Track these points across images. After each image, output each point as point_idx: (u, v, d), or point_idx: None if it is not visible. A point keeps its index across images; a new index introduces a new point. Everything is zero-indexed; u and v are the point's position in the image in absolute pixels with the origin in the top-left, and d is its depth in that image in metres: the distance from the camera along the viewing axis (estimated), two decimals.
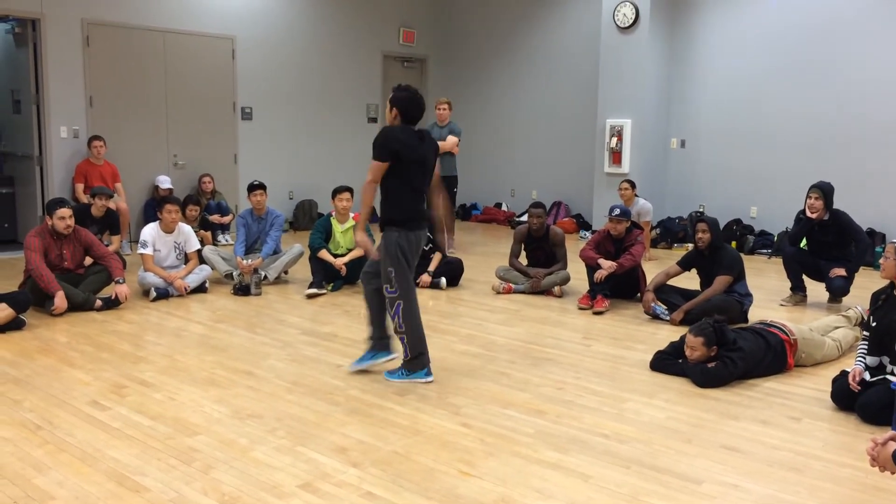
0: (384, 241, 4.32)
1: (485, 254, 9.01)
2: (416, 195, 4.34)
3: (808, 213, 6.38)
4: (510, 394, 4.29)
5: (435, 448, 3.53)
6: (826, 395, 4.19)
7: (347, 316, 6.08)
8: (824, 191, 6.35)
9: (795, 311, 6.36)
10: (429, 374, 4.44)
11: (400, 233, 4.27)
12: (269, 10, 10.47)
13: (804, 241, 6.71)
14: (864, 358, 4.05)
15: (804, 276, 6.61)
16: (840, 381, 4.10)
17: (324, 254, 6.88)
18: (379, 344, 4.58)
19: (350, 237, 7.09)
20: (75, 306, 5.96)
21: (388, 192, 4.31)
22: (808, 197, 6.39)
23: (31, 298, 5.71)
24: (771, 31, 9.31)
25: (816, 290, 6.66)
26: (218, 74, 10.04)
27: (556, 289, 6.84)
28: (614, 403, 4.15)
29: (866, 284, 6.89)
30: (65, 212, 5.98)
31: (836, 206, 6.43)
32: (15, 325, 5.45)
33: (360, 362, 4.61)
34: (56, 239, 6.05)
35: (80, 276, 6.20)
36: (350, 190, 7.11)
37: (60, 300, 5.78)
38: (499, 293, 6.92)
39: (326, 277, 6.88)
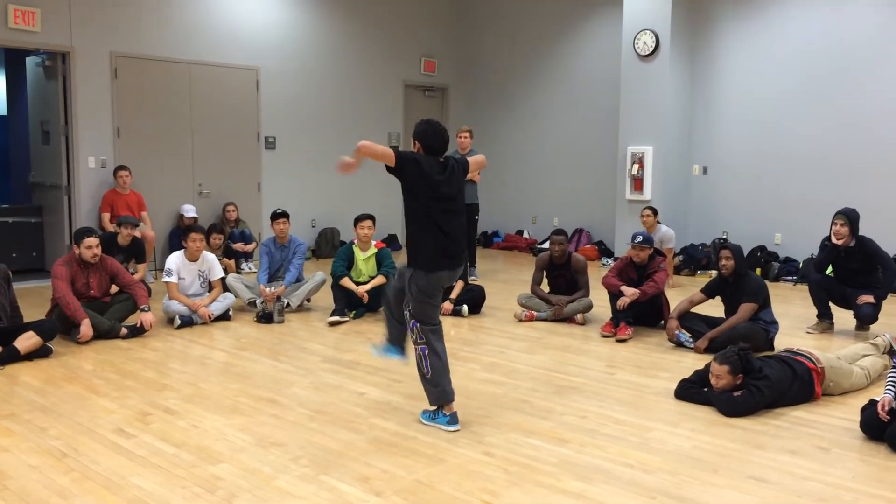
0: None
1: (507, 281, 9.00)
2: (440, 233, 4.06)
3: (834, 240, 6.32)
4: (533, 422, 4.26)
5: (458, 477, 3.51)
6: (855, 424, 4.12)
7: (370, 343, 6.07)
8: (850, 217, 6.29)
9: (822, 339, 6.28)
10: (452, 422, 4.15)
11: (415, 272, 4.07)
12: (293, 42, 10.63)
13: (830, 268, 6.64)
14: (894, 387, 3.99)
15: (831, 304, 6.53)
16: (869, 411, 4.03)
17: (346, 281, 6.91)
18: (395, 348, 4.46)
19: (372, 265, 7.12)
20: (101, 334, 6.02)
21: (411, 232, 4.15)
22: (833, 224, 6.34)
23: (57, 326, 5.79)
24: (793, 55, 9.31)
25: (843, 317, 6.58)
26: (242, 105, 10.19)
27: (579, 316, 6.81)
28: (639, 433, 4.11)
29: (894, 312, 6.81)
30: (92, 241, 6.07)
31: (861, 232, 6.37)
32: (42, 352, 5.52)
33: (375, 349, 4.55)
34: (83, 268, 6.13)
35: (106, 305, 6.27)
36: (372, 218, 7.14)
37: (86, 328, 5.85)
38: (521, 321, 6.90)
39: (349, 305, 6.90)
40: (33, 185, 9.51)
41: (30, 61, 9.28)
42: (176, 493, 3.31)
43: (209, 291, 6.86)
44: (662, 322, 6.45)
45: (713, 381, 4.50)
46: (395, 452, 3.80)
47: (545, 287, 7.17)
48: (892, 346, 5.25)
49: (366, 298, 6.87)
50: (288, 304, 7.06)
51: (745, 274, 5.87)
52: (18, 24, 8.18)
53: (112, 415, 4.34)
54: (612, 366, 5.48)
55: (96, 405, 4.51)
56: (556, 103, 11.76)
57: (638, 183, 9.98)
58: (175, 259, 6.71)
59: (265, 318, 6.78)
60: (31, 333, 5.45)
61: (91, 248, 6.05)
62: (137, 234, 7.57)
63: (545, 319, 6.89)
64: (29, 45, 8.49)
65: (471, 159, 4.44)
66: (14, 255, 8.85)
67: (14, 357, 5.34)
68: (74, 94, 8.71)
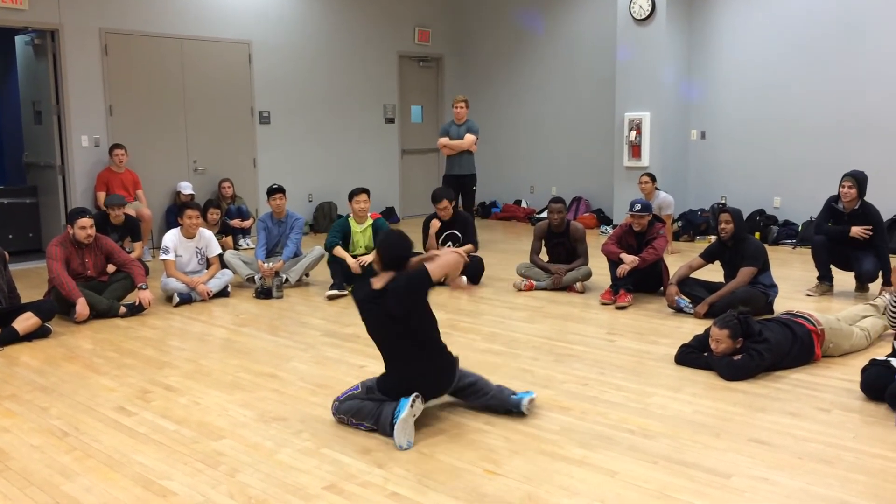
0: None
1: (505, 251, 8.98)
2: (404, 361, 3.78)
3: (843, 202, 6.30)
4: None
5: (459, 447, 3.51)
6: (855, 385, 4.12)
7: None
8: (858, 179, 6.28)
9: (822, 301, 6.27)
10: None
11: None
12: (284, 15, 10.50)
13: None
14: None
15: (831, 266, 6.52)
16: (870, 371, 4.03)
17: (339, 250, 6.83)
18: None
19: (369, 236, 7.07)
20: (100, 313, 6.02)
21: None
22: (841, 185, 6.32)
23: (56, 307, 5.77)
24: (791, 17, 9.19)
25: (843, 279, 6.57)
26: (235, 80, 10.09)
27: (578, 284, 6.79)
28: (640, 398, 4.11)
29: None
30: (85, 221, 6.03)
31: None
32: (41, 333, 5.51)
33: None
34: (77, 248, 6.10)
35: (103, 284, 6.25)
36: (367, 191, 7.08)
37: (82, 307, 5.83)
38: (520, 290, 6.89)
39: (346, 279, 6.88)
40: (27, 165, 9.45)
41: (19, 40, 9.17)
42: (178, 469, 3.31)
43: (207, 268, 6.84)
44: (662, 288, 6.43)
45: (713, 345, 4.49)
46: None
47: (544, 256, 7.15)
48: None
49: (359, 271, 6.79)
50: (286, 280, 7.04)
51: (744, 238, 5.85)
52: (6, 3, 8.06)
53: (112, 393, 4.34)
54: (613, 333, 5.48)
55: (97, 384, 4.50)
56: (552, 70, 11.64)
57: (636, 149, 9.92)
58: (172, 236, 6.68)
59: (264, 293, 6.77)
60: (29, 314, 5.44)
61: (85, 228, 6.01)
62: (132, 212, 7.53)
63: (544, 288, 6.88)
64: (17, 24, 8.37)
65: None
66: (10, 236, 8.82)
67: (13, 338, 5.33)
68: (65, 73, 8.61)
